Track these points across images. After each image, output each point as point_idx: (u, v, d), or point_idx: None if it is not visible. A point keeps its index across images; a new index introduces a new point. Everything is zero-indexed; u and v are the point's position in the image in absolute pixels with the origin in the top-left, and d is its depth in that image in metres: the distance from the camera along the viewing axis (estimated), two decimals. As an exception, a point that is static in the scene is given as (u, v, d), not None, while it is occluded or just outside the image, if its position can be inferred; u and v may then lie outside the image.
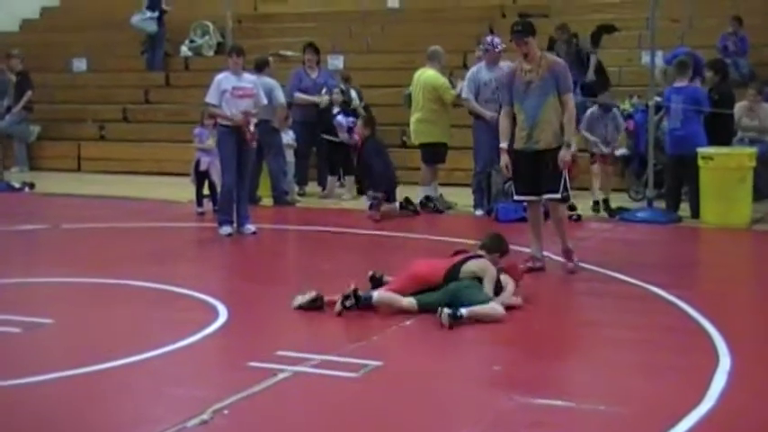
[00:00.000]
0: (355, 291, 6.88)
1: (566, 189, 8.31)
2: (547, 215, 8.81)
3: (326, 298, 7.02)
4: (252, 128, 10.33)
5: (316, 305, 7.00)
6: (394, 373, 5.63)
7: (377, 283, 7.28)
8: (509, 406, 5.09)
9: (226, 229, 10.35)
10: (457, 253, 7.38)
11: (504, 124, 8.49)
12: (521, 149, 8.36)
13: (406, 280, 7.12)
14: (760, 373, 5.66)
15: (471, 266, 7.11)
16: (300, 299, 7.06)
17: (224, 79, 10.36)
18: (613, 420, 4.90)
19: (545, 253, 8.57)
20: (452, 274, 7.05)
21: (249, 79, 10.57)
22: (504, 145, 8.44)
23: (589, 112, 12.06)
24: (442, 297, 6.87)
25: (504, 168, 8.47)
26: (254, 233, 10.43)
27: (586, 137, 11.88)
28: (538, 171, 8.29)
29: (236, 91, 10.30)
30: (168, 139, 16.37)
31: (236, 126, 10.20)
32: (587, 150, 11.99)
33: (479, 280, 7.02)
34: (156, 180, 15.31)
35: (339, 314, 6.84)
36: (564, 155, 8.17)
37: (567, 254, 8.49)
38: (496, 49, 11.42)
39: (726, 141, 11.55)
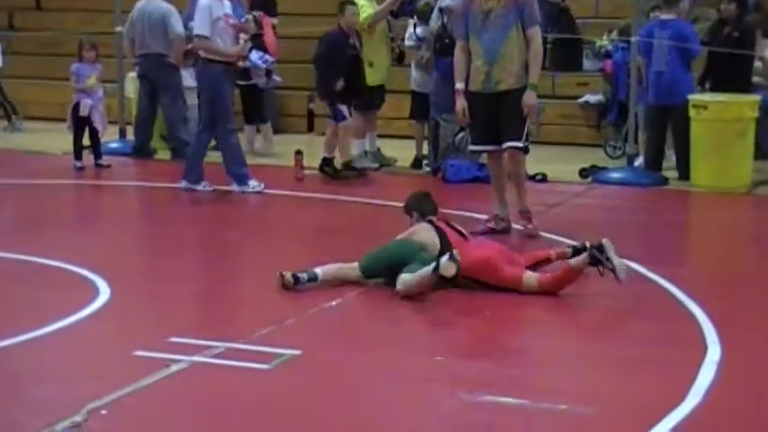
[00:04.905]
0: None
1: (527, 138, 8.55)
2: None
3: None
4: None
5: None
6: (314, 365, 5.64)
7: None
8: (453, 405, 5.13)
9: (206, 186, 10.58)
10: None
11: (459, 61, 8.63)
12: (478, 92, 8.52)
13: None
14: (753, 365, 5.77)
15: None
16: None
17: (214, 4, 10.29)
18: (577, 422, 4.96)
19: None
20: None
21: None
22: (459, 86, 8.60)
23: None
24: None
25: (461, 113, 8.61)
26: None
27: None
28: (498, 116, 8.47)
29: (230, 18, 10.39)
30: (38, 76, 16.19)
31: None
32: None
33: None
34: (22, 126, 15.08)
35: None
36: (528, 98, 8.39)
37: (525, 214, 8.66)
38: None
39: (745, 90, 11.61)
